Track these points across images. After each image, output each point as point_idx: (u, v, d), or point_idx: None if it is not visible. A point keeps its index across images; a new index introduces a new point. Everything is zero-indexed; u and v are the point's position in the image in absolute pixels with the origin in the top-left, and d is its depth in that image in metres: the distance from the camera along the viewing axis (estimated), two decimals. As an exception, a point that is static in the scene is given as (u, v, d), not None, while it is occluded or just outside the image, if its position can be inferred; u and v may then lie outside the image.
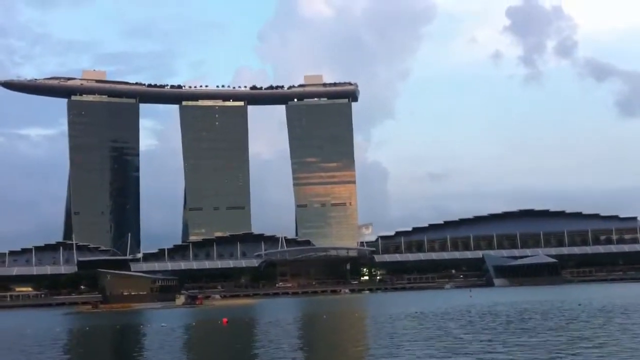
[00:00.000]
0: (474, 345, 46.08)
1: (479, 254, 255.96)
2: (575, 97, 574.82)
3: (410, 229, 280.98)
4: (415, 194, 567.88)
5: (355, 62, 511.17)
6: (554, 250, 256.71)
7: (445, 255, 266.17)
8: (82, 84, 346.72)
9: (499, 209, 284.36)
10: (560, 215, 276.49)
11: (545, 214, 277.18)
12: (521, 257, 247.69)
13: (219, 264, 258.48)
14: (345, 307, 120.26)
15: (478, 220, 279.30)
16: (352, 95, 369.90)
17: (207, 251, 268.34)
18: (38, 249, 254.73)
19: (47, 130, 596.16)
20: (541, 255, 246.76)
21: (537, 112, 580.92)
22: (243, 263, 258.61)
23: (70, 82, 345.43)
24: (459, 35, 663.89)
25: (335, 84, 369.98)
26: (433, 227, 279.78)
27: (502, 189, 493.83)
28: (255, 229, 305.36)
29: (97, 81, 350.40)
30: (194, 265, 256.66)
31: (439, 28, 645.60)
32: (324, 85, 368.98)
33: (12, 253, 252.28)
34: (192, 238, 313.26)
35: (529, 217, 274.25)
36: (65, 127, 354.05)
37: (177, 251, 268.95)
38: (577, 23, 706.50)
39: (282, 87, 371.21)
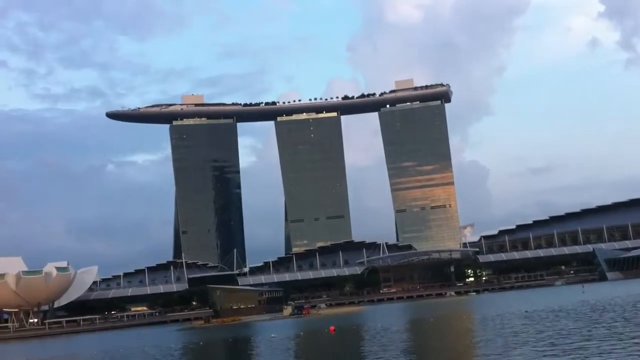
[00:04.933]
0: (589, 342, 45.07)
1: (589, 248, 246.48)
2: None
3: (514, 226, 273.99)
4: (517, 191, 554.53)
5: (446, 63, 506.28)
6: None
7: (553, 251, 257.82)
8: (182, 109, 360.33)
9: (607, 200, 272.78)
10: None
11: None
12: (635, 249, 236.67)
13: (323, 273, 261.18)
14: (451, 310, 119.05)
15: (585, 213, 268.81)
16: (445, 97, 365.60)
17: (310, 261, 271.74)
18: (150, 269, 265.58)
19: (152, 156, 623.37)
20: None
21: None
22: (346, 271, 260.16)
23: (171, 108, 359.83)
24: (553, 25, 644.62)
25: (426, 87, 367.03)
26: (538, 224, 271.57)
27: (609, 180, 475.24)
28: (356, 237, 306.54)
29: (196, 105, 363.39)
30: (299, 276, 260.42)
31: (532, 20, 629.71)
32: (415, 89, 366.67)
33: (126, 275, 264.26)
34: (295, 249, 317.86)
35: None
36: (169, 151, 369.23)
37: (282, 263, 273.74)
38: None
39: (374, 94, 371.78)
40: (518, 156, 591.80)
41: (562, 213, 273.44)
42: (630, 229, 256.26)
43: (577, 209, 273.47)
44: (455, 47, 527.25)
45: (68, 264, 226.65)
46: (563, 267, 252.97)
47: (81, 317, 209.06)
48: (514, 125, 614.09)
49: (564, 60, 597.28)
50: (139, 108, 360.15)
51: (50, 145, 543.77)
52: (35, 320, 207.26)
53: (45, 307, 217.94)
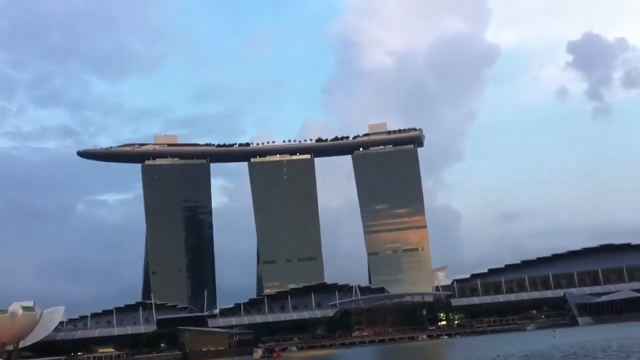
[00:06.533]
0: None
1: (560, 292, 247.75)
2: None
3: (486, 270, 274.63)
4: (489, 236, 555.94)
5: (419, 108, 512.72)
6: (638, 285, 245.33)
7: (524, 295, 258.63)
8: (154, 149, 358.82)
9: (578, 246, 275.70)
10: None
11: (626, 248, 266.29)
12: (605, 294, 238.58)
13: (294, 315, 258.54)
14: (424, 354, 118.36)
15: (556, 258, 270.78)
16: (418, 141, 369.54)
17: (282, 304, 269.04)
18: (119, 310, 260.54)
19: (123, 195, 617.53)
20: (626, 290, 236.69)
21: (609, 145, 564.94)
22: (318, 314, 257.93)
23: (143, 148, 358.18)
24: (523, 74, 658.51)
25: (399, 131, 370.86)
26: (510, 268, 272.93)
27: (579, 226, 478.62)
28: (328, 279, 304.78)
29: (169, 145, 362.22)
30: (270, 318, 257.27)
31: (502, 68, 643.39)
32: (389, 132, 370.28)
33: (94, 315, 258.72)
34: (267, 291, 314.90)
35: (610, 252, 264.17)
36: (140, 191, 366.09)
37: (253, 305, 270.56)
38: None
39: (348, 137, 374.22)
40: (490, 201, 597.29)
41: (533, 257, 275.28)
42: (600, 274, 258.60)
43: (548, 254, 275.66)
44: (428, 93, 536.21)
45: (34, 304, 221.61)
46: (534, 311, 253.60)
47: (47, 358, 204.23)
48: (485, 170, 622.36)
49: (534, 107, 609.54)
50: (111, 147, 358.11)
51: (19, 184, 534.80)
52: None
53: (10, 347, 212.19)
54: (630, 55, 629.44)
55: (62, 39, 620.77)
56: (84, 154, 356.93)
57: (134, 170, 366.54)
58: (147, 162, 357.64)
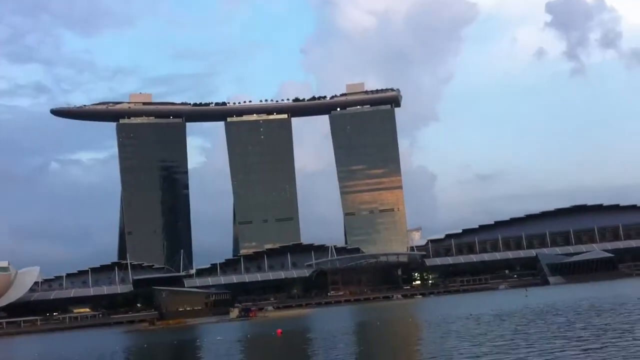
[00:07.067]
0: (525, 345, 45.68)
1: (532, 252, 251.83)
2: (623, 88, 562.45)
3: (460, 231, 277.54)
4: (464, 197, 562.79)
5: (397, 69, 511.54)
6: (609, 245, 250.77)
7: (497, 255, 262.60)
8: (129, 107, 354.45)
9: (551, 207, 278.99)
10: (615, 209, 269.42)
11: (598, 209, 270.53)
12: (576, 254, 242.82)
13: (271, 275, 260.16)
14: (398, 313, 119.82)
15: (530, 218, 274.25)
16: (395, 101, 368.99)
17: (258, 264, 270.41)
18: (94, 270, 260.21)
19: (98, 154, 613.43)
20: (597, 250, 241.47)
21: (584, 107, 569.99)
22: (294, 274, 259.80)
23: (118, 106, 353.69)
24: (500, 35, 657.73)
25: (377, 91, 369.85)
26: (484, 228, 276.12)
27: (553, 188, 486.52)
28: (305, 240, 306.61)
29: (144, 103, 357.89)
30: (246, 278, 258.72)
31: (480, 30, 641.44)
32: (366, 92, 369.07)
33: (69, 276, 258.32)
34: (243, 252, 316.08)
35: (582, 213, 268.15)
36: (115, 150, 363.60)
37: (229, 265, 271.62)
38: (620, 15, 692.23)
39: (325, 97, 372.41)
40: (465, 163, 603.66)
41: (507, 218, 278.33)
42: (572, 235, 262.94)
43: (521, 215, 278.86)
44: (405, 54, 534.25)
45: (9, 264, 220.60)
46: (507, 271, 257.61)
47: (22, 319, 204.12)
48: (461, 132, 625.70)
49: (511, 69, 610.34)
50: (85, 105, 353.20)
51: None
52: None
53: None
54: (607, 16, 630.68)
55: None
56: (58, 112, 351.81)
57: (109, 129, 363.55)
58: (121, 121, 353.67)
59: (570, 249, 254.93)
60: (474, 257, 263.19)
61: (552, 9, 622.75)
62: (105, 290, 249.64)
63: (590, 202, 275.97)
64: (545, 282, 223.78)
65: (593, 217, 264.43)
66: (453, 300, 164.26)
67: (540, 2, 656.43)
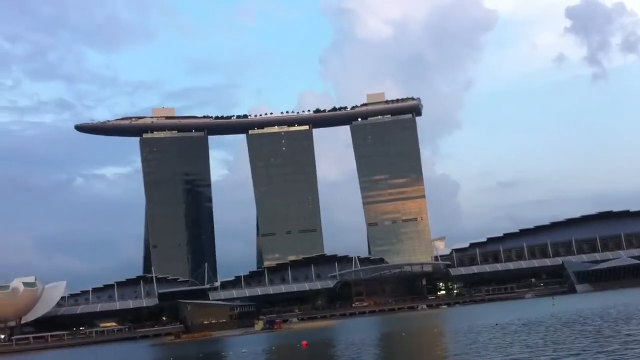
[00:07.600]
0: (553, 355, 45.20)
1: (558, 260, 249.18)
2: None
3: (484, 239, 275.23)
4: (488, 205, 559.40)
5: (416, 76, 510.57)
6: (636, 252, 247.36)
7: (523, 264, 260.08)
8: (152, 122, 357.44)
9: (576, 214, 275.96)
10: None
11: (625, 215, 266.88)
12: (603, 261, 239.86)
13: (295, 287, 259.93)
14: (423, 323, 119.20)
15: (555, 226, 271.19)
16: (416, 110, 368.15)
17: (282, 275, 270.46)
18: (120, 284, 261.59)
19: (122, 169, 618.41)
20: (624, 257, 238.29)
21: (607, 112, 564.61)
22: (318, 285, 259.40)
23: (140, 121, 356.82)
24: (520, 41, 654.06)
25: (397, 100, 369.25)
26: (508, 237, 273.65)
27: (578, 194, 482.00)
28: (328, 251, 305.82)
29: (167, 118, 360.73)
30: (270, 290, 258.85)
31: (499, 36, 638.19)
32: (387, 102, 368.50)
33: (95, 290, 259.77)
34: (267, 263, 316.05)
35: (608, 220, 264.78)
36: (139, 164, 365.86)
37: (253, 277, 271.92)
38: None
39: (346, 107, 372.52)
40: (487, 170, 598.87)
41: (532, 226, 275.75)
42: (598, 242, 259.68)
43: (546, 222, 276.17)
44: (425, 62, 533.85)
45: (36, 279, 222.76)
46: (533, 279, 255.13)
47: (49, 333, 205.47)
48: (482, 139, 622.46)
49: (531, 75, 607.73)
50: (108, 120, 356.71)
51: (17, 159, 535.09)
52: (2, 336, 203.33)
53: (12, 323, 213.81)
54: (628, 20, 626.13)
55: (52, 10, 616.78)
56: (82, 128, 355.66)
57: (132, 143, 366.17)
58: (145, 136, 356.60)
59: (597, 256, 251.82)
60: (499, 266, 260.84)
61: (572, 14, 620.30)
62: (131, 304, 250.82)
63: (616, 209, 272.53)
64: (572, 290, 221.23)
65: (619, 224, 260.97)
66: (479, 309, 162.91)
67: (560, 7, 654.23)
